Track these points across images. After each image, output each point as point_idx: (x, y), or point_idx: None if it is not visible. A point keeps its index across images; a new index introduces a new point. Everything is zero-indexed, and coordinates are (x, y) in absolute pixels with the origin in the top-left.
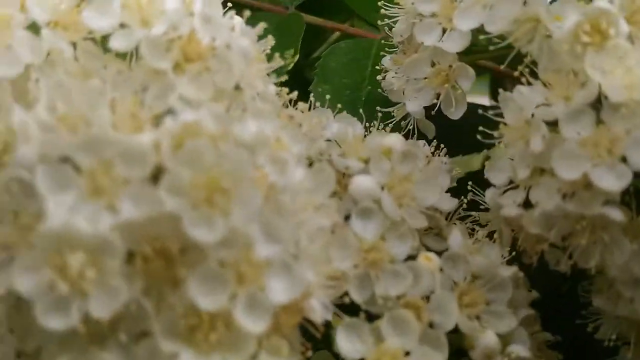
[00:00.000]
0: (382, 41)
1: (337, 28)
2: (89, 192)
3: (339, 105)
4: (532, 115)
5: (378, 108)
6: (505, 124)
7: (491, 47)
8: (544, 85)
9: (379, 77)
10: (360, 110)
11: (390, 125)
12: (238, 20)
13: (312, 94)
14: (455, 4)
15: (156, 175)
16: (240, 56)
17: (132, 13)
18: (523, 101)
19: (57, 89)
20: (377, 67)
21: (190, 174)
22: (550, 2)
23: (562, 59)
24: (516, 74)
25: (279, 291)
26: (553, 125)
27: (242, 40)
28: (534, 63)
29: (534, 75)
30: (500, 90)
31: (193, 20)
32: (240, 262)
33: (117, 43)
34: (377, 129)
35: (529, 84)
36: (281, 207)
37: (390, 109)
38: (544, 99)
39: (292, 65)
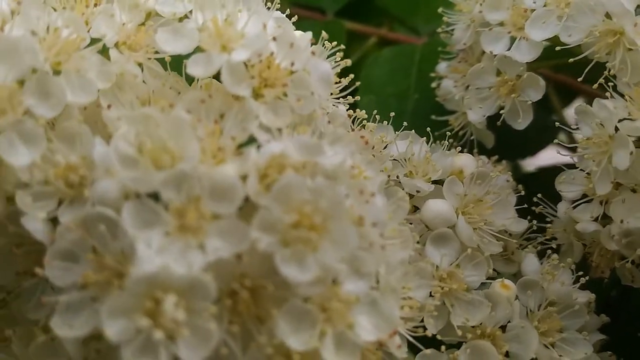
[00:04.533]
0: (439, 48)
1: (377, 33)
2: (177, 230)
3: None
4: (616, 129)
5: (433, 117)
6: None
7: (570, 60)
8: (626, 99)
9: (433, 84)
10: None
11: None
12: (310, 39)
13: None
14: (526, 13)
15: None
16: (320, 80)
17: (210, 36)
18: (606, 115)
19: (141, 120)
20: (427, 74)
21: (283, 211)
22: (636, 14)
23: None
24: (594, 86)
25: (368, 329)
26: (637, 141)
27: (323, 64)
28: (613, 76)
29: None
30: (582, 103)
31: (271, 44)
32: (327, 299)
33: (197, 69)
34: (435, 142)
35: (612, 97)
36: (370, 242)
37: (445, 118)
38: (627, 114)
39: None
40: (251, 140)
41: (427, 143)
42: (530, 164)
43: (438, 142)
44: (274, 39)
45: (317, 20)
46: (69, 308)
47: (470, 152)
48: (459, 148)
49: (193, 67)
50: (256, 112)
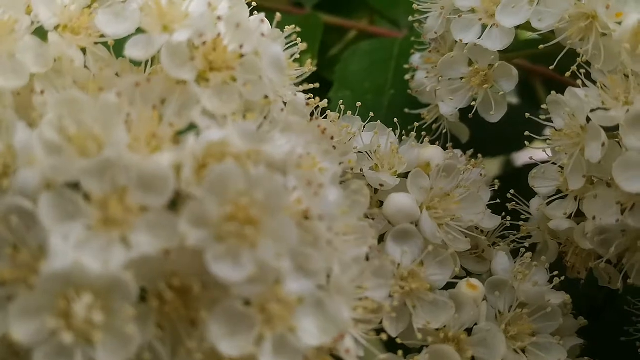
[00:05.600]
0: (412, 38)
1: (356, 27)
2: (99, 223)
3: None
4: (588, 120)
5: (406, 110)
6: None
7: (540, 47)
8: (600, 87)
9: (407, 77)
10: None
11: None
12: (267, 22)
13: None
14: None
15: (175, 202)
16: (271, 64)
17: (151, 17)
18: (577, 104)
19: (66, 104)
20: (404, 67)
21: (217, 203)
22: None
23: (621, 59)
24: (567, 74)
25: (311, 333)
26: (611, 131)
27: (273, 47)
28: (587, 63)
29: (586, 76)
30: (553, 93)
31: (219, 25)
32: (267, 299)
33: (135, 51)
34: (407, 135)
35: (584, 85)
36: (316, 237)
37: (419, 111)
38: (600, 103)
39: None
40: (195, 128)
41: (398, 136)
42: (524, 159)
43: (410, 133)
44: (219, 18)
45: (295, 14)
46: None
47: (444, 145)
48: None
49: (132, 49)
50: (198, 97)
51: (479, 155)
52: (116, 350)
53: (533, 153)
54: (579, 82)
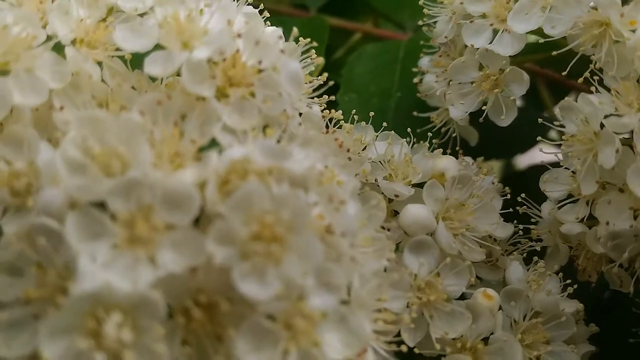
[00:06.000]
0: (421, 42)
1: (361, 29)
2: (126, 242)
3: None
4: (601, 126)
5: (415, 113)
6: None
7: (554, 53)
8: (612, 94)
9: (415, 80)
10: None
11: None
12: (279, 36)
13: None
14: (509, 4)
15: (197, 219)
16: (289, 79)
17: (170, 33)
18: (591, 111)
19: (89, 122)
20: (410, 70)
21: (243, 221)
22: (622, 5)
23: (634, 66)
24: (580, 80)
25: (335, 348)
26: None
27: (292, 63)
28: (599, 70)
29: (599, 83)
30: (566, 99)
31: (238, 42)
32: (291, 315)
33: (155, 68)
34: (415, 139)
35: (597, 91)
36: (339, 252)
37: (427, 114)
38: (613, 109)
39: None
40: (216, 144)
41: (409, 143)
42: (524, 161)
43: (421, 141)
44: (239, 35)
45: (300, 17)
46: (11, 325)
47: (454, 149)
48: (441, 150)
49: (151, 66)
50: (219, 114)
51: (490, 163)
52: None
53: (536, 156)
54: (592, 88)
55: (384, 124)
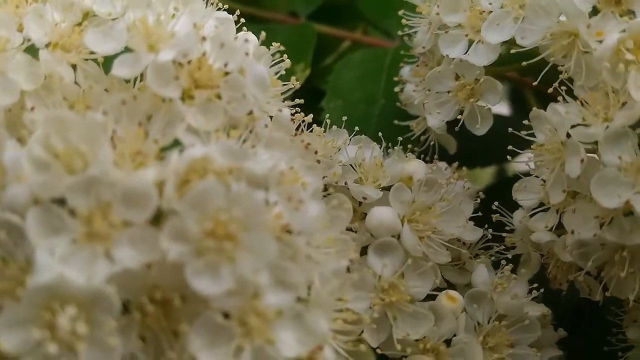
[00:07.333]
0: (401, 52)
1: (350, 37)
2: (84, 238)
3: (344, 119)
4: (568, 135)
5: (395, 122)
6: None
7: (524, 63)
8: (581, 103)
9: (396, 89)
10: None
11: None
12: (252, 41)
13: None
14: (483, 15)
15: (157, 217)
16: (255, 82)
17: (138, 36)
18: (558, 120)
19: (54, 122)
20: (394, 79)
21: (197, 219)
22: (590, 16)
23: (602, 76)
24: (550, 90)
25: (289, 344)
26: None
27: (257, 66)
28: (569, 80)
29: (569, 92)
30: (534, 109)
31: (204, 44)
32: (246, 312)
33: (122, 69)
34: (394, 148)
35: (565, 101)
36: (295, 251)
37: (408, 123)
38: (581, 119)
39: (303, 80)
40: (181, 145)
41: (382, 147)
42: (519, 168)
43: (395, 147)
44: (204, 38)
45: (290, 24)
46: None
47: (434, 157)
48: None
49: (119, 68)
50: (183, 115)
51: (464, 168)
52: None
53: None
54: (560, 98)
55: (363, 135)
